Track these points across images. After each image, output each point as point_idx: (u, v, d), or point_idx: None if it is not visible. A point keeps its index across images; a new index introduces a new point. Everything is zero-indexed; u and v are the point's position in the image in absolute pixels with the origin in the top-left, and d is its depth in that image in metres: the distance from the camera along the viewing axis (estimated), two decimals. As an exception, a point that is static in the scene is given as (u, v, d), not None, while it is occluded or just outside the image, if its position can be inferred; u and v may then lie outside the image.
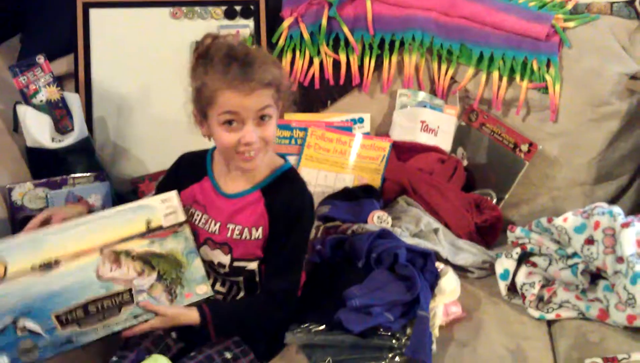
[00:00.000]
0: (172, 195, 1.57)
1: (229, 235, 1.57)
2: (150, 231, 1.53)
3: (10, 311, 1.40)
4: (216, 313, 1.50)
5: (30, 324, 1.40)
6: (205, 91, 1.45)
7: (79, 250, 1.47)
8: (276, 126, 1.52)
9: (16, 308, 1.40)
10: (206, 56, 1.46)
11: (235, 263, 1.58)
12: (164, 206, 1.55)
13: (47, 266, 1.44)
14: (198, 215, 1.60)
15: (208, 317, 1.49)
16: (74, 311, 1.43)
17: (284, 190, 1.55)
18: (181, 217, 1.56)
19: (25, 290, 1.42)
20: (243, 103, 1.43)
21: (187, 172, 1.64)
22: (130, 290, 1.48)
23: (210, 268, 1.60)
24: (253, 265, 1.58)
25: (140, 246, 1.51)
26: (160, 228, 1.54)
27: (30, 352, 1.39)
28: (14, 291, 1.41)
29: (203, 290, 1.53)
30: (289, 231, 1.54)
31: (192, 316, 1.49)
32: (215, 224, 1.58)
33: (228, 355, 1.49)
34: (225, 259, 1.58)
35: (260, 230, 1.55)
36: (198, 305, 1.51)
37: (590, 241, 1.63)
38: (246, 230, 1.56)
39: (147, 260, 1.51)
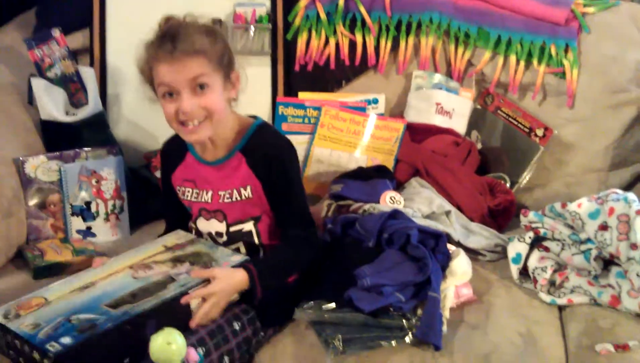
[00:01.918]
0: (176, 233, 1.68)
1: (220, 201, 1.60)
2: (169, 249, 1.60)
3: (61, 315, 1.39)
4: (257, 264, 1.52)
5: (84, 315, 1.38)
6: (145, 69, 1.52)
7: (111, 272, 1.52)
8: (224, 95, 1.54)
9: (66, 312, 1.39)
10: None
11: (232, 228, 1.62)
12: (173, 237, 1.66)
13: (85, 287, 1.48)
14: (189, 192, 1.65)
15: (253, 271, 1.49)
16: (122, 299, 1.43)
17: (261, 145, 1.58)
18: (191, 236, 1.65)
19: (70, 302, 1.43)
20: (172, 74, 1.48)
21: (172, 156, 1.70)
22: (169, 277, 1.49)
23: (210, 239, 1.64)
24: (249, 226, 1.61)
25: (164, 256, 1.57)
26: (176, 244, 1.61)
27: (90, 328, 1.35)
28: (58, 307, 1.42)
29: (237, 258, 1.55)
30: (283, 182, 1.57)
31: (241, 273, 1.49)
32: (207, 194, 1.62)
33: (237, 326, 1.50)
34: (221, 226, 1.62)
35: (248, 188, 1.58)
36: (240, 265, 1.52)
37: (604, 227, 1.61)
38: (235, 191, 1.59)
39: (175, 259, 1.55)
